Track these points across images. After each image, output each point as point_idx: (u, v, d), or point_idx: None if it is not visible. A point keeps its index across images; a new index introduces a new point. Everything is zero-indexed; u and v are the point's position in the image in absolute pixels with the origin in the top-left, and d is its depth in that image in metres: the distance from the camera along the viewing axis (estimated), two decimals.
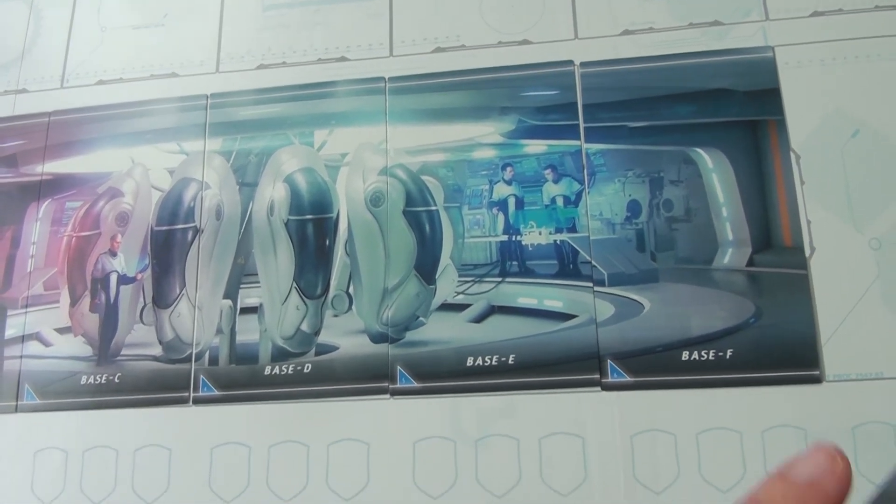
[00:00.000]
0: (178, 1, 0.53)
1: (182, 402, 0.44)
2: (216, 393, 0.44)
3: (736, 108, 0.43)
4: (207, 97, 0.49)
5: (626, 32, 0.45)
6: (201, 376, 0.44)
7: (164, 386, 0.44)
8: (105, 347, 0.46)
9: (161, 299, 0.46)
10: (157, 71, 0.51)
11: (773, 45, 0.44)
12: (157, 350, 0.45)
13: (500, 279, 0.42)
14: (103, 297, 0.48)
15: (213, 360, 0.44)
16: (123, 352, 0.46)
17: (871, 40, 0.44)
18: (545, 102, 0.44)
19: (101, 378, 0.45)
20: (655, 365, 0.40)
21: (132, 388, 0.45)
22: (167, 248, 0.47)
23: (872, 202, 0.41)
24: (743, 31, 0.45)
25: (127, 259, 0.48)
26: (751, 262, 0.41)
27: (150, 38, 0.52)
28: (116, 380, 0.45)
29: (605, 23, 0.46)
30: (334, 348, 0.43)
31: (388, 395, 0.42)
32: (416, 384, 0.41)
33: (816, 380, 0.39)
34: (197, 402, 0.44)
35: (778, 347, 0.39)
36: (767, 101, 0.43)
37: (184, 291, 0.46)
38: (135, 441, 0.44)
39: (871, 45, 0.44)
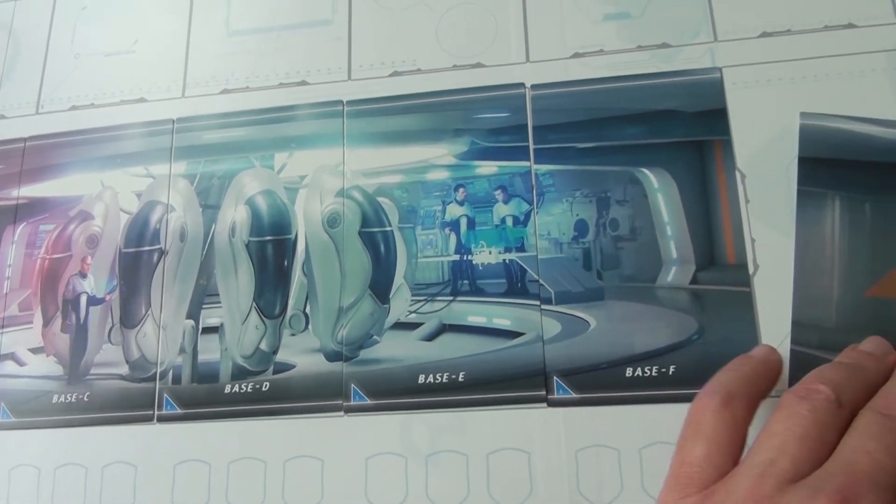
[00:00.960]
0: (147, 28, 0.54)
1: (147, 420, 0.45)
2: (179, 411, 0.45)
3: (683, 129, 0.44)
4: (174, 122, 0.50)
5: (577, 55, 0.47)
6: (165, 395, 0.45)
7: (130, 404, 0.46)
8: (75, 367, 0.48)
9: (128, 319, 0.47)
10: (127, 96, 0.52)
11: (720, 66, 0.45)
12: (124, 369, 0.47)
13: (451, 298, 0.43)
14: (74, 317, 0.49)
15: (177, 379, 0.45)
16: (92, 371, 0.47)
17: (820, 60, 0.45)
18: (497, 124, 0.46)
19: (71, 397, 0.47)
20: (600, 381, 0.41)
21: (100, 407, 0.46)
22: (134, 269, 0.48)
23: None
24: (691, 52, 0.46)
25: (96, 280, 0.49)
26: (694, 280, 0.42)
27: (120, 65, 0.54)
28: (86, 398, 0.47)
29: (557, 46, 0.47)
30: (291, 367, 0.44)
31: (341, 413, 0.43)
32: (369, 401, 0.42)
33: None
34: (161, 420, 0.45)
35: (720, 363, 0.40)
36: (714, 122, 0.44)
37: (149, 312, 0.47)
38: (103, 458, 0.46)
39: (820, 65, 0.45)
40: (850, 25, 0.45)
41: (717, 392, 0.34)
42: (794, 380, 0.39)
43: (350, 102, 0.48)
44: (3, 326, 0.49)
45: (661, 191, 0.43)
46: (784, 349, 0.40)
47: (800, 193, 0.42)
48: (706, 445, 0.32)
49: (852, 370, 0.35)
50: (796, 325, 0.40)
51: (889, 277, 0.40)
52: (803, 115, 0.43)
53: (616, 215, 0.43)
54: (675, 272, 0.42)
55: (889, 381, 0.34)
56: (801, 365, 0.40)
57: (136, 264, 0.48)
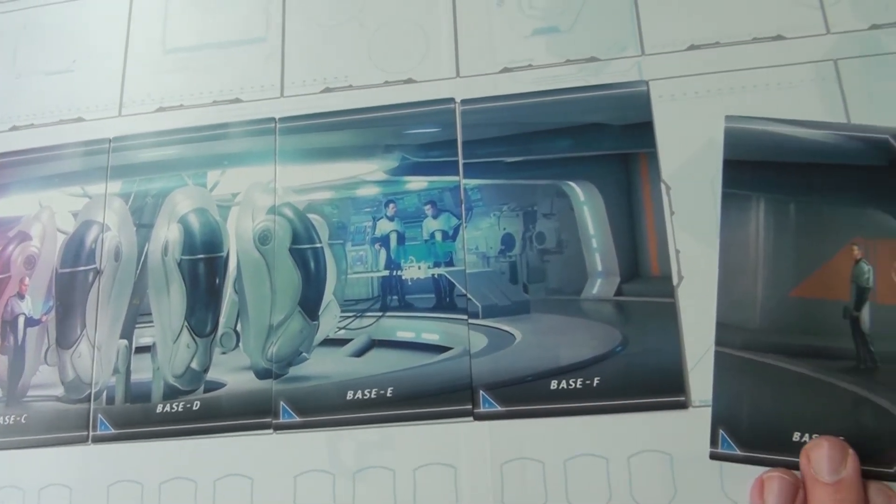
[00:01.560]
0: (86, 47, 0.54)
1: (82, 441, 0.45)
2: (113, 431, 0.45)
3: (610, 142, 0.44)
4: (110, 141, 0.50)
5: (506, 70, 0.47)
6: (99, 415, 0.45)
7: (65, 426, 0.46)
8: (13, 389, 0.47)
9: (64, 340, 0.47)
10: (66, 116, 0.52)
11: (647, 80, 0.45)
12: (60, 390, 0.46)
13: (380, 314, 0.44)
14: (12, 339, 0.49)
15: (111, 400, 0.45)
16: (30, 392, 0.47)
17: (748, 72, 0.45)
18: (427, 140, 0.46)
19: (9, 419, 0.47)
20: (525, 394, 0.41)
21: (37, 429, 0.46)
22: (70, 289, 0.48)
23: None
24: (619, 66, 0.46)
25: (34, 301, 0.49)
26: (619, 292, 0.42)
27: (60, 84, 0.54)
28: (23, 420, 0.46)
29: (486, 61, 0.47)
30: (222, 385, 0.44)
31: (271, 430, 0.43)
32: (297, 419, 0.42)
33: (682, 405, 0.40)
34: (95, 440, 0.45)
35: (644, 374, 0.40)
36: (640, 135, 0.44)
37: (84, 332, 0.47)
38: (39, 480, 0.45)
39: (748, 77, 0.45)
40: (779, 37, 0.46)
41: None
42: (718, 380, 0.40)
43: (282, 119, 0.48)
44: None
45: (588, 204, 0.44)
46: (708, 357, 0.40)
47: (724, 196, 0.42)
48: None
49: None
50: (721, 326, 0.41)
51: (814, 277, 0.41)
52: (728, 118, 0.44)
53: (543, 229, 0.44)
54: (601, 284, 0.43)
55: None
56: (726, 366, 0.40)
57: (71, 284, 0.48)
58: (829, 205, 0.42)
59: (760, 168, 0.43)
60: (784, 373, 0.39)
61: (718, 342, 0.40)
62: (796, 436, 0.38)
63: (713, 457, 0.39)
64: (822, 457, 0.36)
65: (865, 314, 0.39)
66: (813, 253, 0.41)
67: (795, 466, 0.37)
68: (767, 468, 0.37)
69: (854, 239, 0.41)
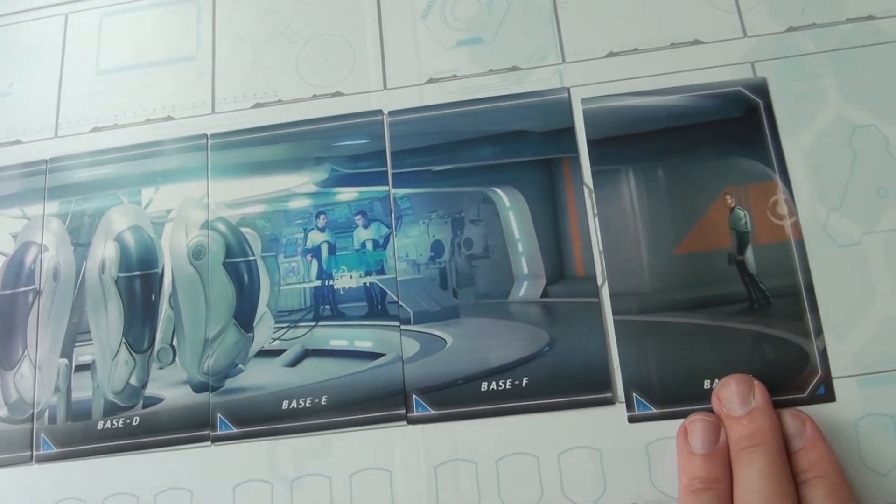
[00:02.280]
0: (23, 69, 0.55)
1: (25, 461, 0.46)
2: (55, 450, 0.45)
3: (533, 148, 0.45)
4: (47, 162, 0.51)
5: (432, 80, 0.48)
6: (42, 435, 0.46)
7: (9, 446, 0.46)
8: None
9: (6, 361, 0.48)
10: (4, 139, 0.53)
11: (568, 87, 0.46)
12: (4, 411, 0.47)
13: (313, 323, 0.44)
14: None
15: (52, 419, 0.46)
16: None
17: (667, 76, 0.46)
18: (356, 151, 0.47)
19: None
20: (457, 397, 0.42)
21: None
22: (11, 311, 0.49)
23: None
24: (540, 74, 0.47)
25: None
26: (545, 294, 0.43)
27: None
28: None
29: (412, 72, 0.48)
30: (160, 400, 0.45)
31: (209, 443, 0.43)
32: (235, 430, 0.43)
33: (610, 402, 0.41)
34: (38, 460, 0.45)
35: (572, 373, 0.42)
36: (563, 140, 0.45)
37: (26, 353, 0.47)
38: None
39: (666, 81, 0.46)
40: (697, 42, 0.47)
41: None
42: (621, 346, 0.42)
43: (214, 135, 0.49)
44: None
45: (513, 209, 0.45)
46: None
47: (594, 174, 0.44)
48: None
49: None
50: (614, 296, 0.43)
51: (694, 232, 0.43)
52: (584, 100, 0.46)
53: (470, 234, 0.45)
54: (527, 287, 0.44)
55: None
56: (626, 332, 0.42)
57: (12, 305, 0.49)
58: (695, 163, 0.45)
59: (623, 141, 0.45)
60: (683, 327, 0.41)
61: (615, 311, 0.41)
62: (707, 383, 0.40)
63: (631, 420, 0.40)
64: (731, 393, 0.38)
65: (749, 256, 0.42)
66: (689, 210, 0.44)
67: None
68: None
69: (726, 188, 0.44)
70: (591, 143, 0.45)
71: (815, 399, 0.40)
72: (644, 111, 0.45)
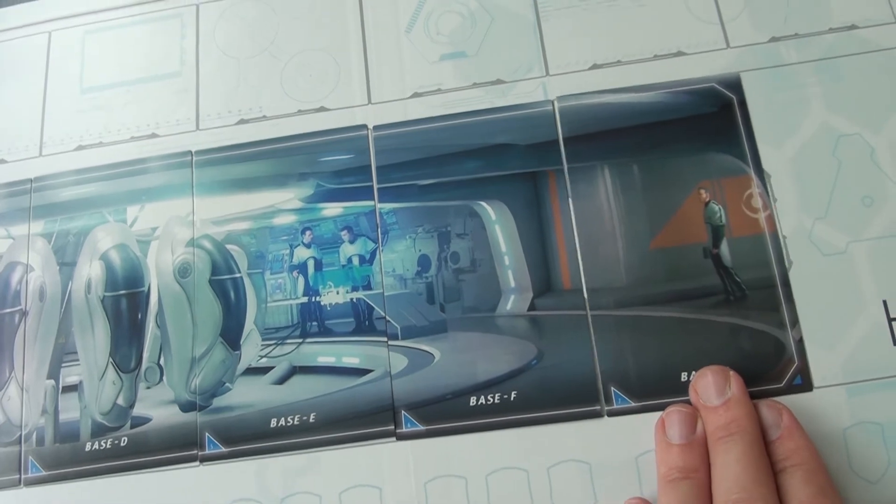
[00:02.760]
0: (6, 87, 0.54)
1: (13, 484, 0.45)
2: (44, 473, 0.45)
3: (518, 161, 0.45)
4: (31, 181, 0.51)
5: (416, 95, 0.48)
6: (29, 457, 0.45)
7: None
8: None
9: None
10: None
11: (552, 99, 0.46)
12: None
13: (301, 340, 0.44)
14: None
15: (40, 441, 0.45)
16: None
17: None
18: (341, 166, 0.47)
19: None
20: (446, 412, 0.42)
21: None
22: None
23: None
24: (524, 87, 0.48)
25: None
26: (532, 307, 0.43)
27: None
28: None
29: (397, 87, 0.48)
30: (147, 420, 0.44)
31: (197, 462, 0.43)
32: (223, 449, 0.43)
33: (598, 414, 0.41)
34: (27, 483, 0.45)
35: (560, 385, 0.41)
36: (547, 153, 0.45)
37: (13, 374, 0.47)
38: None
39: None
40: (680, 53, 0.47)
41: None
42: (599, 340, 0.42)
43: (198, 152, 0.49)
44: None
45: (499, 222, 0.45)
46: None
47: (569, 171, 0.45)
48: None
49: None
50: (591, 291, 0.43)
51: (669, 227, 0.43)
52: (560, 98, 0.46)
53: (457, 248, 0.45)
54: (514, 300, 0.44)
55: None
56: (603, 327, 0.43)
57: None
58: (669, 158, 0.45)
59: (597, 138, 0.46)
60: (660, 321, 0.41)
61: (592, 307, 0.42)
62: (683, 376, 0.40)
63: (609, 414, 0.40)
64: (708, 384, 0.39)
65: (724, 249, 0.43)
66: (664, 205, 0.44)
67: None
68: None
69: (700, 183, 0.44)
70: (566, 140, 0.45)
71: (792, 389, 0.40)
72: (619, 108, 0.45)
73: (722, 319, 0.41)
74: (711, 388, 0.37)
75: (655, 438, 0.39)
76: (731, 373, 0.37)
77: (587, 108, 0.45)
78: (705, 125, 0.44)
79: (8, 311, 0.49)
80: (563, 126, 0.45)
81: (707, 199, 0.43)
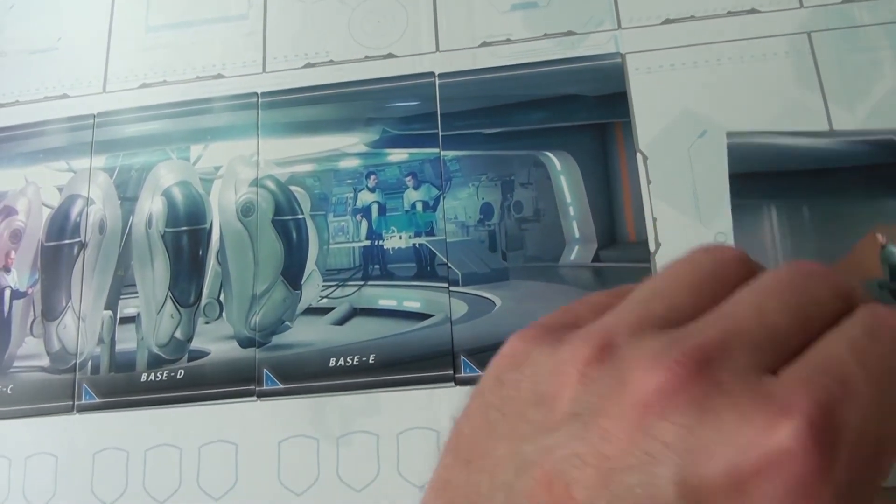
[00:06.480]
0: (70, 24, 0.55)
1: (67, 410, 0.46)
2: (97, 400, 0.45)
3: (585, 113, 0.45)
4: (94, 116, 0.51)
5: (485, 44, 0.48)
6: (84, 385, 0.46)
7: (50, 396, 0.46)
8: None
9: (49, 312, 0.48)
10: (51, 93, 0.53)
11: (623, 53, 0.46)
12: (45, 361, 0.47)
13: (362, 283, 0.44)
14: None
15: (95, 369, 0.46)
16: (15, 364, 0.48)
17: (722, 44, 0.46)
18: (407, 113, 0.47)
19: None
20: None
21: (23, 399, 0.47)
22: (55, 262, 0.49)
23: (719, 198, 0.43)
24: (596, 39, 0.47)
25: (20, 274, 0.49)
26: (596, 258, 0.43)
27: (44, 62, 0.54)
28: (9, 391, 0.47)
29: (465, 36, 0.48)
30: (205, 354, 0.45)
31: (254, 398, 0.43)
32: (281, 386, 0.43)
33: None
34: (80, 409, 0.46)
35: None
36: (615, 105, 0.45)
37: (69, 304, 0.48)
38: (25, 450, 0.46)
39: (722, 49, 0.46)
40: (753, 11, 0.47)
41: None
42: None
43: (264, 94, 0.49)
44: None
45: (564, 173, 0.45)
46: None
47: (734, 207, 0.43)
48: None
49: None
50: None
51: (839, 266, 0.41)
52: (729, 134, 0.44)
53: (520, 198, 0.45)
54: (578, 251, 0.43)
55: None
56: None
57: (57, 257, 0.49)
58: (843, 202, 0.42)
59: (767, 177, 0.44)
60: None
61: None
62: None
63: None
64: None
65: None
66: (833, 247, 0.42)
67: None
68: None
69: (875, 227, 0.41)
70: (732, 176, 0.44)
71: None
72: (790, 150, 0.43)
73: None
74: None
75: None
76: None
77: (756, 147, 0.44)
78: (883, 174, 0.41)
79: (67, 242, 0.49)
80: (731, 163, 0.43)
81: (884, 242, 0.41)
